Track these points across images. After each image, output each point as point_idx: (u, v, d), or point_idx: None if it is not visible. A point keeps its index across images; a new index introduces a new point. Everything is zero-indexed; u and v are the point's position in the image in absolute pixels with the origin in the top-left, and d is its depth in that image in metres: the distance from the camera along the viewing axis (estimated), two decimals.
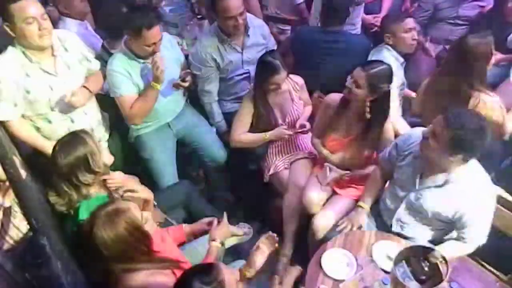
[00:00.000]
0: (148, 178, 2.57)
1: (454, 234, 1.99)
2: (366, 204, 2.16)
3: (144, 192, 2.01)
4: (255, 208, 2.87)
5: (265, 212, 2.82)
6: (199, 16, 3.45)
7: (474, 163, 1.85)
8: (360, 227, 2.09)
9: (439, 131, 1.75)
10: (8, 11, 2.02)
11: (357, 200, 2.26)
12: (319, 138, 2.45)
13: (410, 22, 2.64)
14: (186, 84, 2.48)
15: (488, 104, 2.21)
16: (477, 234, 1.90)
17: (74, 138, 1.89)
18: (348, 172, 2.33)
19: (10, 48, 2.13)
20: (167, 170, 2.61)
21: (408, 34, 2.64)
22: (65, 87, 2.23)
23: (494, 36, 2.31)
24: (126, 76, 2.40)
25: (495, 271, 2.07)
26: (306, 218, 2.35)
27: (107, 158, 2.02)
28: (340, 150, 2.35)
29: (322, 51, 2.81)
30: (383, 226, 2.13)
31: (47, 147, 2.20)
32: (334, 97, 2.34)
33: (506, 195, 2.06)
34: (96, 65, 2.46)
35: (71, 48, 2.30)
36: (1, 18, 2.12)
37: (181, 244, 2.13)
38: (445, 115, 1.74)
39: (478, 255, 2.05)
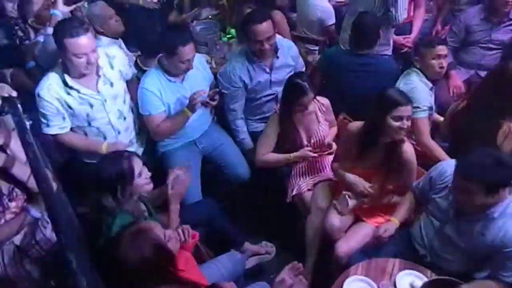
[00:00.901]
0: None
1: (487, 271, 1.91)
2: (397, 220, 2.17)
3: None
4: (278, 228, 2.86)
5: (287, 232, 2.80)
6: (228, 36, 3.52)
7: None
8: (390, 236, 2.11)
9: (463, 185, 1.74)
10: (61, 43, 2.11)
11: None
12: (342, 167, 2.36)
13: (441, 49, 2.56)
14: (215, 103, 2.52)
15: None
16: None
17: (115, 157, 1.85)
18: (366, 199, 2.28)
19: (53, 71, 2.26)
20: (192, 187, 2.63)
21: (436, 61, 2.55)
22: (105, 104, 2.35)
23: None
24: (157, 95, 2.47)
25: None
26: (328, 242, 2.31)
27: (145, 187, 1.91)
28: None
29: (350, 74, 2.80)
30: (410, 252, 2.09)
31: (100, 148, 2.36)
32: (358, 126, 2.28)
33: None
34: (133, 72, 2.60)
35: (116, 65, 2.41)
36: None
37: (201, 261, 2.14)
38: (459, 168, 1.75)
39: None
